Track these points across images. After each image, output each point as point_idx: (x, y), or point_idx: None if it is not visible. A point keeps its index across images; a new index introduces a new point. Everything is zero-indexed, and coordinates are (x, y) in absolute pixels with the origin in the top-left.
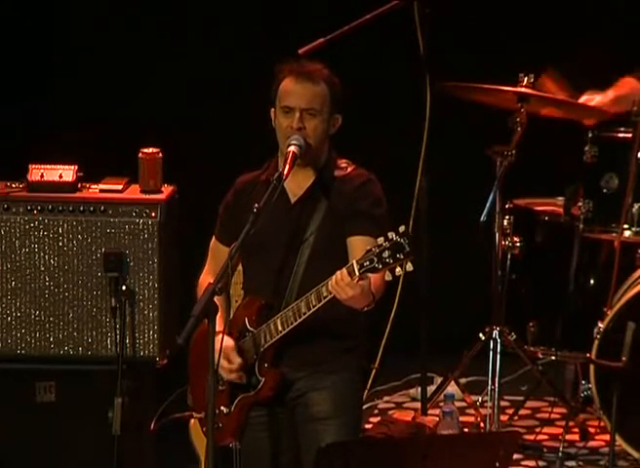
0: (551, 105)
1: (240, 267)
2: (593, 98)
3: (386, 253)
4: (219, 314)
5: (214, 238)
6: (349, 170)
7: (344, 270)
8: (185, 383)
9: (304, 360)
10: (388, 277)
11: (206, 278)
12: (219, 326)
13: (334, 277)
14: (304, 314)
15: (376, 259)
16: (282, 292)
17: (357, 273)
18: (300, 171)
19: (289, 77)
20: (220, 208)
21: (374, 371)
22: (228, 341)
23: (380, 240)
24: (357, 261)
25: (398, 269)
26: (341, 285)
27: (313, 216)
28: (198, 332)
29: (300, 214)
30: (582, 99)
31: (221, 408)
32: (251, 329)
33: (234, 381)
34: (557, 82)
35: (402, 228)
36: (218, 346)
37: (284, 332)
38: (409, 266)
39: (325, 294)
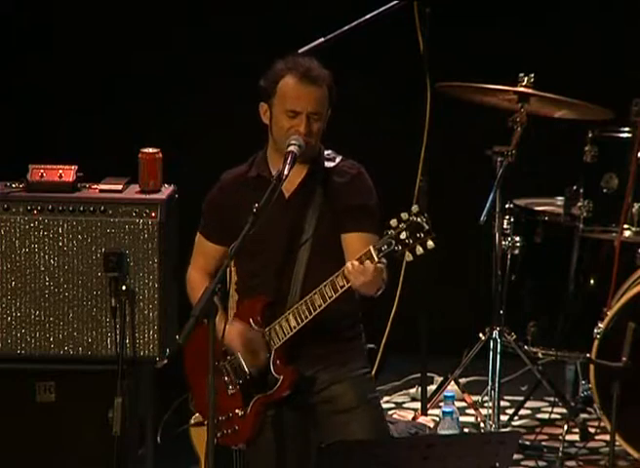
0: (551, 105)
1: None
2: None
3: (404, 235)
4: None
5: (199, 234)
6: (338, 160)
7: (360, 257)
8: (185, 388)
9: (317, 354)
10: (409, 257)
11: (193, 274)
12: (218, 322)
13: (349, 264)
14: (320, 306)
15: (394, 242)
16: (284, 290)
17: (376, 258)
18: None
19: (291, 76)
20: (205, 204)
21: (379, 356)
22: (238, 325)
23: (394, 222)
24: (374, 247)
25: (419, 248)
26: (360, 270)
27: (309, 211)
28: (196, 336)
29: (296, 209)
30: None
31: (236, 411)
32: (258, 328)
33: (259, 363)
34: None
35: (415, 208)
36: (230, 340)
37: (299, 328)
38: (430, 244)
39: (341, 284)
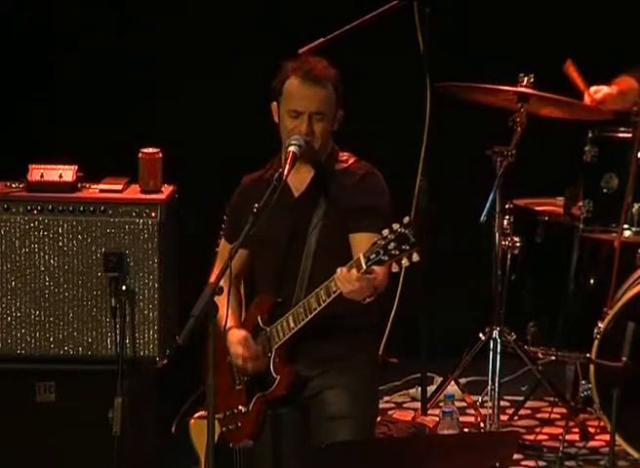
0: (551, 105)
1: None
2: (601, 89)
3: (392, 245)
4: (230, 311)
5: (223, 239)
6: (350, 162)
7: (351, 264)
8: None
9: (318, 357)
10: (395, 268)
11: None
12: (230, 321)
13: (338, 271)
14: (315, 310)
15: (382, 251)
16: (291, 289)
17: (364, 266)
18: (301, 165)
19: (295, 77)
20: (227, 209)
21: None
22: (242, 332)
23: (385, 232)
24: (364, 255)
25: (404, 260)
26: (347, 278)
27: (316, 210)
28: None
29: (304, 209)
30: (592, 90)
31: (239, 407)
32: (264, 327)
33: (254, 372)
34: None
35: (406, 219)
36: (233, 339)
37: (296, 329)
38: (415, 257)
39: (334, 289)
